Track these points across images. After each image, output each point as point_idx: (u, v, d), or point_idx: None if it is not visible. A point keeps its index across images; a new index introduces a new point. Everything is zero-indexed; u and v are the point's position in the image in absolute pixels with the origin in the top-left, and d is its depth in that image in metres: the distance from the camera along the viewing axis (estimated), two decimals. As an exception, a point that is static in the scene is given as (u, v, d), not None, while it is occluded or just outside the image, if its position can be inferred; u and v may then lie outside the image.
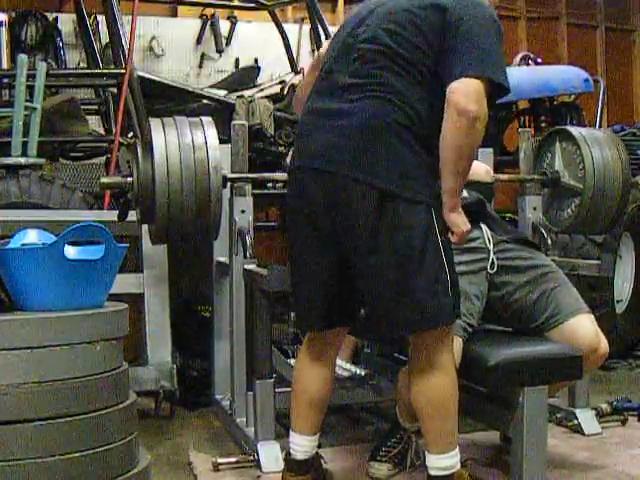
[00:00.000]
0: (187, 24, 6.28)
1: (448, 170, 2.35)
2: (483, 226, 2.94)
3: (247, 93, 4.90)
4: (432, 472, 2.47)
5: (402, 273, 2.34)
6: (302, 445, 2.68)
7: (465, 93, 2.29)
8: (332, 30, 4.35)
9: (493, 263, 2.85)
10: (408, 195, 2.33)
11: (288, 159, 4.51)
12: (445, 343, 2.42)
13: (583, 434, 3.37)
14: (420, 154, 2.37)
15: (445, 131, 2.32)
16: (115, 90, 4.79)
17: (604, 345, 2.79)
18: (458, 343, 2.60)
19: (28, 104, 4.05)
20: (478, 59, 2.33)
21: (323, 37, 5.03)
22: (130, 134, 4.57)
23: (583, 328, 2.77)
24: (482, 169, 3.22)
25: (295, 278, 2.61)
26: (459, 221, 2.40)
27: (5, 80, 4.79)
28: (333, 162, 2.39)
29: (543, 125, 5.81)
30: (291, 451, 2.70)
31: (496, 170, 3.84)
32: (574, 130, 3.62)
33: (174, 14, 6.48)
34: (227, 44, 6.28)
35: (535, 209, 3.63)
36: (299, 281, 2.59)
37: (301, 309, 2.63)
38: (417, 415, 2.51)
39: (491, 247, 2.87)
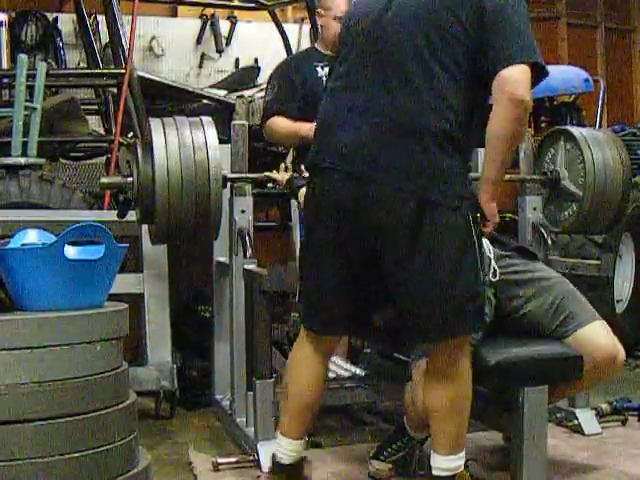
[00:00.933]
0: (187, 24, 6.29)
1: (494, 159, 2.33)
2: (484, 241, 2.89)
3: (247, 93, 4.90)
4: (436, 472, 2.47)
5: (442, 278, 2.30)
6: (292, 450, 2.60)
7: (520, 81, 2.24)
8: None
9: (495, 272, 2.80)
10: (447, 202, 2.29)
11: (288, 159, 4.51)
12: (465, 347, 2.42)
13: (583, 434, 3.37)
14: (456, 159, 2.32)
15: (496, 121, 2.27)
16: (115, 90, 4.79)
17: (622, 353, 2.75)
18: None
19: (28, 104, 4.05)
20: (523, 44, 2.28)
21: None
22: (130, 134, 4.57)
23: (600, 336, 2.72)
24: None
25: (310, 279, 2.53)
26: (495, 211, 2.41)
27: (5, 80, 4.80)
28: (368, 166, 2.30)
29: (543, 125, 5.81)
30: (278, 454, 2.62)
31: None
32: (575, 130, 3.62)
33: (174, 14, 6.49)
34: (227, 44, 6.29)
35: (535, 209, 3.62)
36: (316, 282, 2.50)
37: (315, 308, 2.53)
38: (430, 416, 2.48)
39: (492, 256, 2.82)
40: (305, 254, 2.57)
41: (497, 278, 2.77)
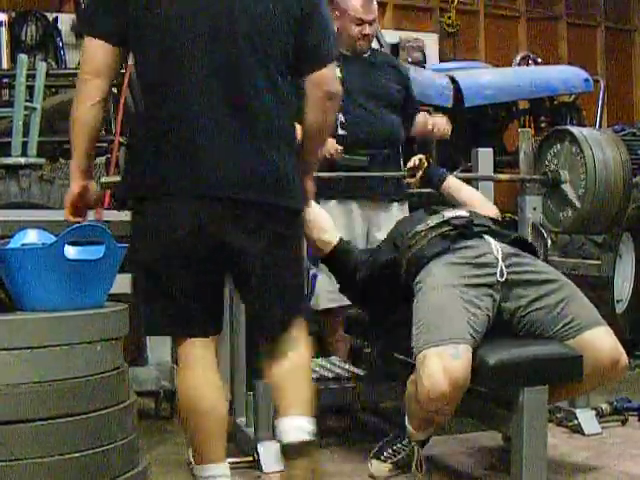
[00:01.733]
0: (187, 24, 6.27)
1: (316, 148, 2.52)
2: (489, 239, 2.88)
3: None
4: (292, 436, 2.31)
5: (290, 281, 2.41)
6: (226, 475, 2.36)
7: (333, 78, 2.41)
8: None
9: (502, 271, 2.79)
10: (298, 206, 2.43)
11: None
12: (303, 328, 2.47)
13: (583, 434, 3.36)
14: (297, 164, 2.43)
15: (316, 115, 2.41)
16: (115, 90, 4.79)
17: (624, 358, 2.74)
18: (467, 349, 2.57)
19: (28, 104, 4.05)
20: (332, 41, 2.43)
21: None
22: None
23: (603, 341, 2.72)
24: (492, 211, 3.20)
25: (164, 292, 2.30)
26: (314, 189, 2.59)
27: (5, 80, 4.80)
28: (225, 186, 2.26)
29: (543, 125, 5.82)
30: None
31: (496, 170, 3.84)
32: (575, 130, 3.61)
33: (174, 14, 6.47)
34: (227, 44, 6.27)
35: (535, 209, 3.61)
36: (174, 294, 2.30)
37: (185, 315, 2.34)
38: (280, 387, 2.39)
39: (500, 256, 2.83)
40: (150, 267, 2.31)
41: (504, 278, 2.77)
